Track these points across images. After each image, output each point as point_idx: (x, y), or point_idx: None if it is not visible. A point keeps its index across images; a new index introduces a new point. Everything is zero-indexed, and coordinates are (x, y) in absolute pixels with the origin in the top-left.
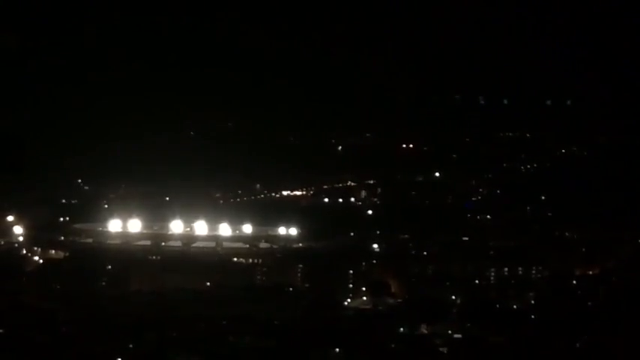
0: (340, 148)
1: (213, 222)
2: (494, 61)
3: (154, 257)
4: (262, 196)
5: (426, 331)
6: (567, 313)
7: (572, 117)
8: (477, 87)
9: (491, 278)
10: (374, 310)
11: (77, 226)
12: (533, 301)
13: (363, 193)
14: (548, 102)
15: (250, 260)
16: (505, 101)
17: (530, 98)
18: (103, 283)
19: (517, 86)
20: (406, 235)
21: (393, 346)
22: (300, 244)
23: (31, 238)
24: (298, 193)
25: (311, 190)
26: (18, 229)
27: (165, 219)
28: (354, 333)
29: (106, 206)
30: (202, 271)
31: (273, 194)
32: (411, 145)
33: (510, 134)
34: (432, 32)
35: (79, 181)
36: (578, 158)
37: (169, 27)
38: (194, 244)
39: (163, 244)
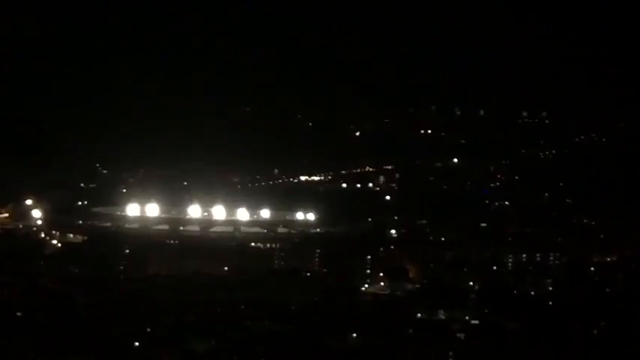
0: (358, 133)
1: (231, 207)
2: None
3: (172, 242)
4: (280, 181)
5: (443, 317)
6: (585, 300)
7: (591, 103)
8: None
9: (509, 264)
10: (391, 296)
11: (95, 209)
12: (550, 288)
13: (381, 179)
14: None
15: (268, 245)
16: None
17: (549, 84)
18: (121, 267)
19: (536, 72)
20: (424, 221)
21: (410, 331)
22: (318, 229)
23: (50, 222)
24: (316, 178)
25: (329, 175)
26: (36, 213)
27: (183, 203)
28: (372, 318)
29: (125, 190)
30: (220, 256)
31: (292, 179)
32: (429, 131)
33: (529, 120)
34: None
35: (98, 164)
36: (596, 145)
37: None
38: (212, 229)
39: (181, 228)
